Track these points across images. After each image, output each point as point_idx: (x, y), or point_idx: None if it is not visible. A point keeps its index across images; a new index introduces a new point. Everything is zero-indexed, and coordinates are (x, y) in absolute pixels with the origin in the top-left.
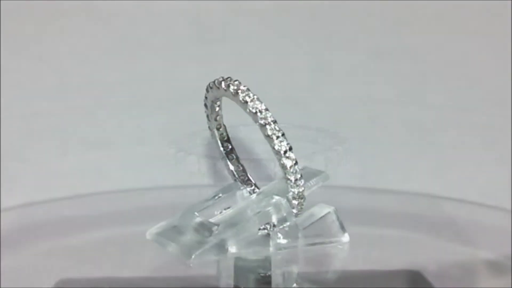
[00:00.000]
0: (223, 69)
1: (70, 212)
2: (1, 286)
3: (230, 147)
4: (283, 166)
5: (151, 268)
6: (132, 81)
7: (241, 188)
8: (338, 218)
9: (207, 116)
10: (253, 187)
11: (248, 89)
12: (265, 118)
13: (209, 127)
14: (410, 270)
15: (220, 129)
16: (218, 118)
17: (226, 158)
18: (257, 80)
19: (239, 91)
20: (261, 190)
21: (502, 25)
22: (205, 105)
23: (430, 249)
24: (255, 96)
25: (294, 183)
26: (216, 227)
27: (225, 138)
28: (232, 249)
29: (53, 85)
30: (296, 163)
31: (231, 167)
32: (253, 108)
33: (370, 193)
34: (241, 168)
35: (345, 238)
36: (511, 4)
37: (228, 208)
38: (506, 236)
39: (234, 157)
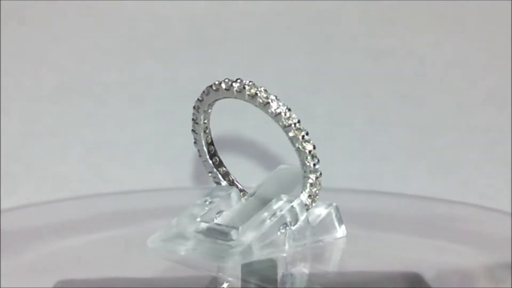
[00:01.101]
0: (222, 71)
1: (70, 214)
2: (1, 287)
3: (214, 149)
4: (306, 166)
5: (151, 269)
6: (132, 83)
7: (231, 191)
8: (338, 213)
9: (195, 119)
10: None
11: (266, 90)
12: (290, 119)
13: (194, 130)
14: (410, 272)
15: (207, 131)
16: (206, 121)
17: (211, 161)
18: (256, 81)
19: (258, 93)
20: (254, 191)
21: (502, 25)
22: (196, 107)
23: (428, 252)
24: (275, 96)
25: (315, 181)
26: (234, 231)
27: (210, 141)
28: (256, 252)
29: (53, 86)
30: (318, 161)
31: (215, 170)
32: (276, 109)
33: (369, 195)
34: (224, 170)
35: (343, 231)
36: (511, 4)
37: (222, 211)
38: (506, 239)
39: (218, 160)
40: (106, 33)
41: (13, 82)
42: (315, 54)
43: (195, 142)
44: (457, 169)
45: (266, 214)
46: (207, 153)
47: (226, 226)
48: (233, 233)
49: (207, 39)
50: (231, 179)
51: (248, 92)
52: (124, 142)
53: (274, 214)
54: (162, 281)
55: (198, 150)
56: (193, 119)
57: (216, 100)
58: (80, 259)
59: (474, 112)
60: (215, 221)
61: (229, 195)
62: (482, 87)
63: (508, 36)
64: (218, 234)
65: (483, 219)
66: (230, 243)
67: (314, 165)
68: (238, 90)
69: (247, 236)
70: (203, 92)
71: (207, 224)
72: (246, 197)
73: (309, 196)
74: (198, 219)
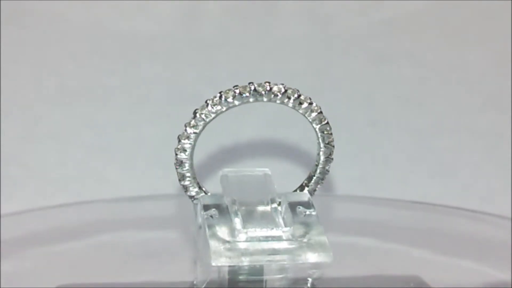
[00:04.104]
0: (223, 73)
1: (70, 219)
2: None
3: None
4: (329, 162)
5: (152, 274)
6: (132, 86)
7: (219, 199)
8: None
9: (194, 125)
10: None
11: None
12: (323, 118)
13: (186, 138)
14: (411, 274)
15: (195, 140)
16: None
17: (191, 171)
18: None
19: (301, 97)
20: (233, 199)
21: (502, 28)
22: (203, 115)
23: (427, 260)
24: (310, 98)
25: (325, 175)
26: (286, 233)
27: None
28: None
29: (54, 89)
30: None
31: (195, 180)
32: (315, 108)
33: (367, 202)
34: (198, 180)
35: None
36: (511, 5)
37: (229, 220)
38: (506, 244)
39: (194, 170)
40: (106, 35)
41: (13, 85)
42: (314, 57)
43: (183, 151)
44: (457, 173)
45: (293, 213)
46: (189, 163)
47: (272, 229)
48: (285, 235)
49: (207, 42)
50: (203, 188)
51: (294, 98)
52: (125, 145)
53: (300, 212)
54: (162, 286)
55: (182, 161)
56: (188, 127)
57: (236, 106)
58: (80, 265)
59: (475, 115)
60: (245, 227)
61: (220, 204)
62: (482, 90)
63: (508, 38)
64: (268, 238)
65: (483, 225)
66: (293, 243)
67: (332, 159)
68: (277, 94)
69: (300, 234)
70: (221, 97)
71: (243, 232)
72: (234, 205)
73: (313, 190)
74: (239, 227)
